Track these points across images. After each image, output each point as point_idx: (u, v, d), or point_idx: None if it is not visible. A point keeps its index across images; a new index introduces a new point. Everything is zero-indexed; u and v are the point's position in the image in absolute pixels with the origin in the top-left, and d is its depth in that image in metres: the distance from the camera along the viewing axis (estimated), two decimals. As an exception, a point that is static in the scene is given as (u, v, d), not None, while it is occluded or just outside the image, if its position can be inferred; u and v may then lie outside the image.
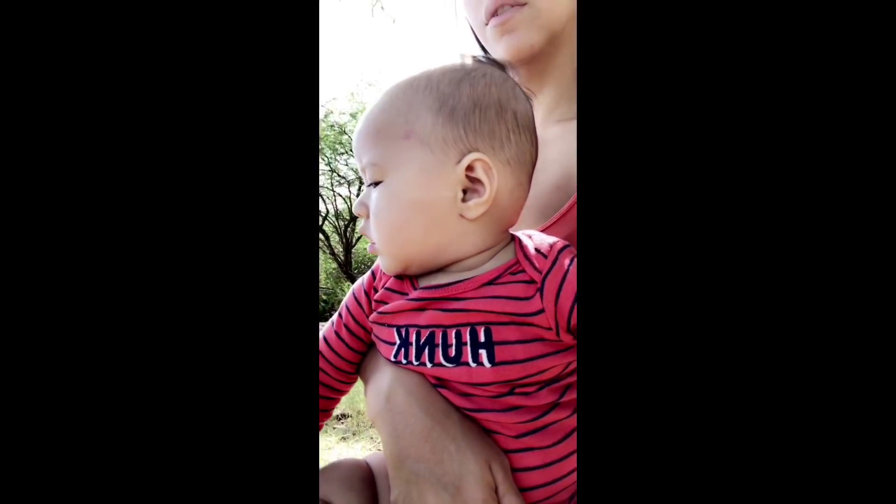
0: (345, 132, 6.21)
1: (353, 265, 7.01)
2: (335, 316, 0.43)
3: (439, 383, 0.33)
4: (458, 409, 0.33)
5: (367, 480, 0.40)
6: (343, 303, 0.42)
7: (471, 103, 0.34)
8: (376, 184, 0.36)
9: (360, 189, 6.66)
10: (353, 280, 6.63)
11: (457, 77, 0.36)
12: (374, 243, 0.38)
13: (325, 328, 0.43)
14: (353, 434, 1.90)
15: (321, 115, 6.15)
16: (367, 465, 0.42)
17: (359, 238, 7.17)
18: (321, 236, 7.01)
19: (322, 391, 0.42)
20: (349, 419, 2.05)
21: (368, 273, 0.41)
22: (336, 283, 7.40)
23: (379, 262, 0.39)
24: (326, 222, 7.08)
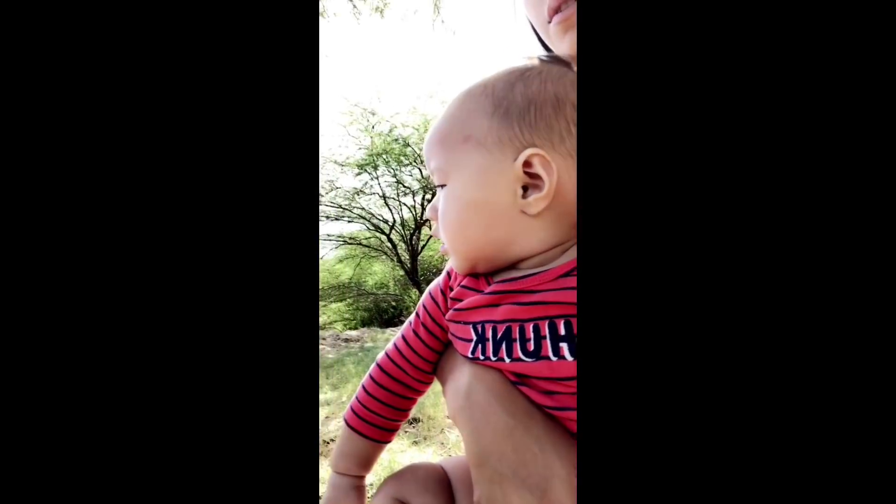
0: (408, 145, 6.42)
1: (420, 272, 7.18)
2: (412, 316, 0.44)
3: (519, 380, 0.33)
4: (540, 408, 0.32)
5: (443, 484, 0.41)
6: (420, 302, 0.43)
7: (525, 102, 0.35)
8: (443, 187, 0.38)
9: (423, 198, 6.84)
10: (419, 286, 6.83)
11: (511, 79, 0.36)
12: (444, 244, 0.40)
13: (402, 328, 0.45)
14: (424, 439, 1.93)
15: (385, 130, 6.42)
16: (443, 469, 0.43)
17: (423, 246, 7.35)
18: (388, 244, 7.30)
19: (401, 390, 0.43)
20: (420, 423, 2.09)
21: (444, 272, 0.43)
22: (403, 290, 7.63)
23: (451, 263, 0.40)
24: (393, 231, 7.34)
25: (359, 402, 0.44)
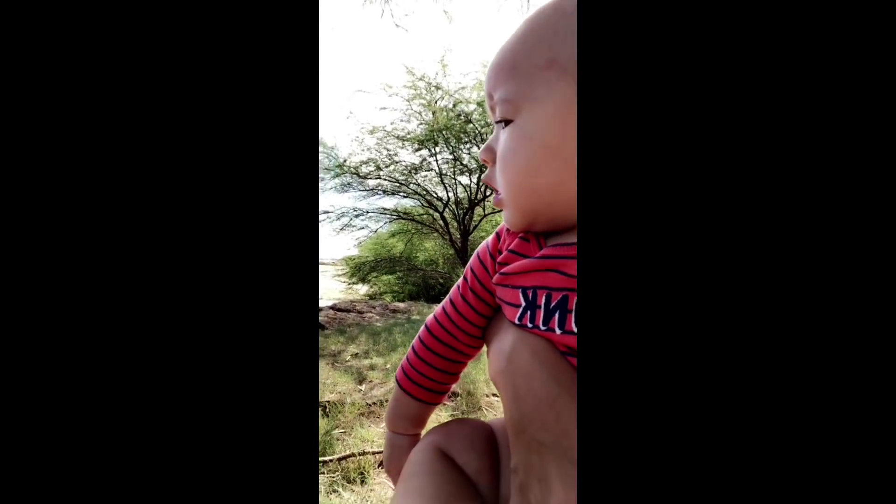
0: (470, 121, 6.32)
1: (469, 252, 7.19)
2: (460, 279, 0.41)
3: (570, 352, 0.30)
4: None
5: (489, 443, 0.39)
6: (468, 265, 0.41)
7: None
8: (507, 123, 0.32)
9: (479, 178, 6.75)
10: (468, 266, 6.79)
11: None
12: (498, 194, 0.35)
13: (451, 291, 0.43)
14: (462, 414, 1.96)
15: (449, 105, 6.36)
16: (491, 428, 0.41)
17: (475, 226, 7.31)
18: (441, 222, 7.35)
19: (450, 354, 0.42)
20: (458, 398, 2.12)
21: (493, 234, 0.39)
22: (452, 268, 7.71)
23: (504, 217, 0.36)
24: (447, 209, 7.36)
25: (409, 364, 0.43)
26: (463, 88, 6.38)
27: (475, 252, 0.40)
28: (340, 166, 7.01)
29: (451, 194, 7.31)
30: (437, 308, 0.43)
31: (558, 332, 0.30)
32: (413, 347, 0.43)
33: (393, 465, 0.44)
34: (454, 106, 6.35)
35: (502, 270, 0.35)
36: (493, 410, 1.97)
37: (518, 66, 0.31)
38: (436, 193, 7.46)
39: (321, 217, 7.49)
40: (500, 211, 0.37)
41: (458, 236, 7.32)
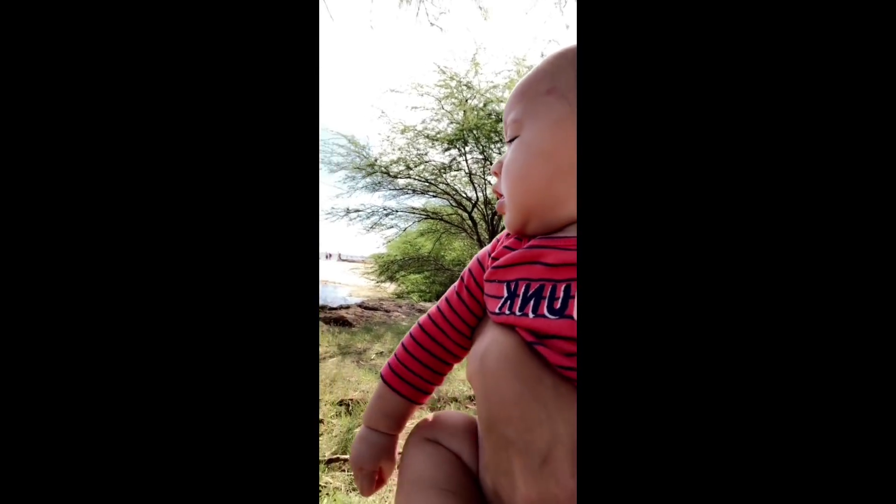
0: (500, 120, 6.26)
1: (498, 253, 7.11)
2: (457, 280, 0.44)
3: (538, 340, 0.32)
4: (554, 373, 0.31)
5: (473, 433, 0.41)
6: (466, 267, 0.44)
7: None
8: (513, 141, 0.38)
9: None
10: (496, 267, 6.77)
11: None
12: (501, 198, 0.40)
13: (447, 292, 0.45)
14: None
15: (480, 104, 6.31)
16: (475, 421, 0.42)
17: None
18: (469, 222, 7.32)
19: (439, 352, 0.43)
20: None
21: (494, 239, 0.42)
22: (479, 268, 7.66)
23: (504, 221, 0.40)
24: (475, 209, 7.33)
25: (397, 359, 0.44)
26: (494, 87, 6.32)
27: (475, 255, 0.44)
28: (371, 165, 7.12)
29: (479, 194, 7.27)
30: (432, 308, 0.45)
31: (531, 316, 0.33)
32: (403, 344, 0.45)
33: (366, 462, 0.43)
34: (485, 105, 6.30)
35: (494, 265, 0.38)
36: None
37: (525, 93, 0.38)
38: (465, 193, 7.44)
39: (352, 215, 7.64)
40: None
41: (487, 236, 7.27)
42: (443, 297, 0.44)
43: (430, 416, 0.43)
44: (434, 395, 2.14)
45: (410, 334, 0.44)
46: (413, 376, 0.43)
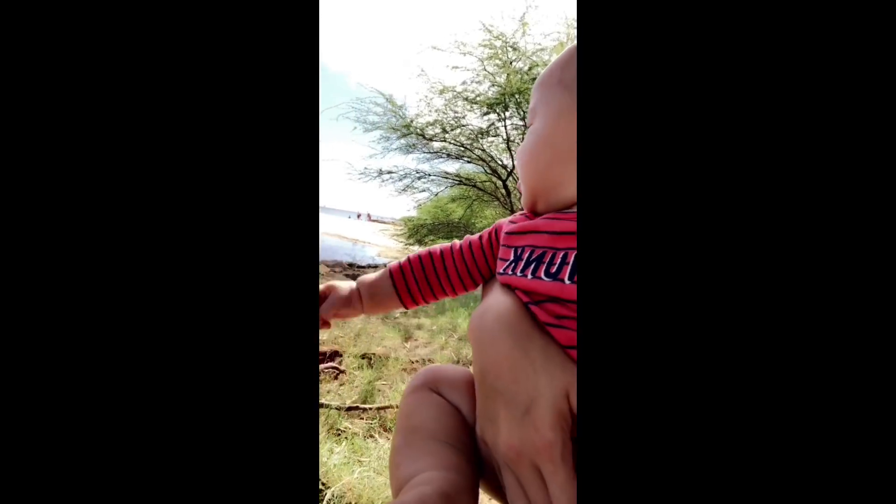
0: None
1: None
2: (480, 233, 0.52)
3: (531, 301, 0.36)
4: (544, 333, 0.34)
5: (471, 386, 0.42)
6: (491, 226, 0.50)
7: None
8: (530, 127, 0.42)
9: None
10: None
11: None
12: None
13: (471, 237, 0.53)
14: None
15: (525, 68, 6.00)
16: (471, 373, 0.45)
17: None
18: (503, 191, 7.17)
19: (441, 274, 0.51)
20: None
21: (516, 213, 0.47)
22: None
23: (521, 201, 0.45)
24: (510, 178, 7.14)
25: (408, 261, 0.53)
26: (542, 50, 5.95)
27: (499, 220, 0.50)
28: (407, 126, 7.01)
29: (516, 162, 7.05)
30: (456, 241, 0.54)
31: (529, 277, 0.36)
32: (419, 254, 0.53)
33: (328, 307, 0.51)
34: (530, 69, 5.97)
35: (507, 230, 0.44)
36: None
37: (542, 83, 0.43)
38: (500, 161, 7.24)
39: (384, 177, 7.64)
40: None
41: (520, 206, 7.12)
42: (465, 238, 0.52)
43: (433, 367, 0.46)
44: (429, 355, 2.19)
45: (428, 250, 0.53)
46: (413, 280, 0.52)
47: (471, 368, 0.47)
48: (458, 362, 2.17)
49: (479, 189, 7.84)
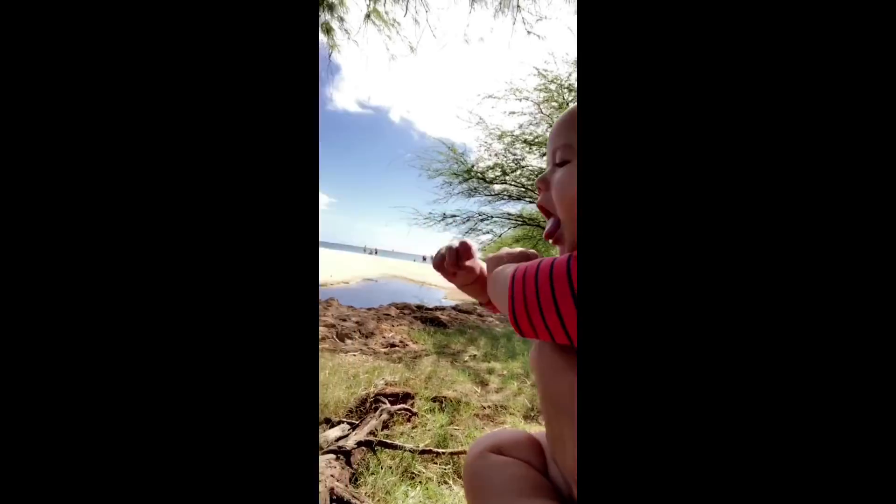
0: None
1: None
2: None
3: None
4: None
5: (536, 446, 0.46)
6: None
7: None
8: (563, 164, 0.43)
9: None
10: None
11: None
12: (550, 217, 0.46)
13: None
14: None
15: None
16: (537, 439, 0.48)
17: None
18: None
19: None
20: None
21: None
22: (577, 276, 7.27)
23: (563, 241, 0.45)
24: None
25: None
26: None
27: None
28: (468, 171, 7.28)
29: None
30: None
31: None
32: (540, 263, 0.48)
33: (439, 261, 0.56)
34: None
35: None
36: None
37: (575, 123, 0.42)
38: (563, 198, 7.13)
39: (448, 220, 7.89)
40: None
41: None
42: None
43: (488, 434, 0.48)
44: (492, 407, 2.11)
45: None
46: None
47: (528, 430, 0.50)
48: (532, 409, 2.09)
49: (542, 228, 7.75)
